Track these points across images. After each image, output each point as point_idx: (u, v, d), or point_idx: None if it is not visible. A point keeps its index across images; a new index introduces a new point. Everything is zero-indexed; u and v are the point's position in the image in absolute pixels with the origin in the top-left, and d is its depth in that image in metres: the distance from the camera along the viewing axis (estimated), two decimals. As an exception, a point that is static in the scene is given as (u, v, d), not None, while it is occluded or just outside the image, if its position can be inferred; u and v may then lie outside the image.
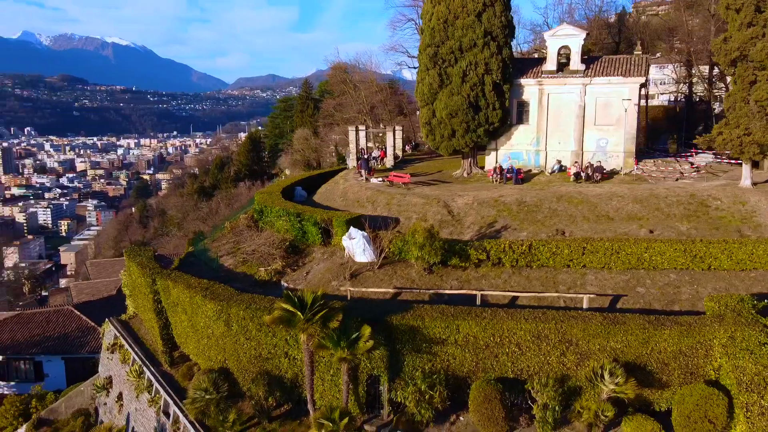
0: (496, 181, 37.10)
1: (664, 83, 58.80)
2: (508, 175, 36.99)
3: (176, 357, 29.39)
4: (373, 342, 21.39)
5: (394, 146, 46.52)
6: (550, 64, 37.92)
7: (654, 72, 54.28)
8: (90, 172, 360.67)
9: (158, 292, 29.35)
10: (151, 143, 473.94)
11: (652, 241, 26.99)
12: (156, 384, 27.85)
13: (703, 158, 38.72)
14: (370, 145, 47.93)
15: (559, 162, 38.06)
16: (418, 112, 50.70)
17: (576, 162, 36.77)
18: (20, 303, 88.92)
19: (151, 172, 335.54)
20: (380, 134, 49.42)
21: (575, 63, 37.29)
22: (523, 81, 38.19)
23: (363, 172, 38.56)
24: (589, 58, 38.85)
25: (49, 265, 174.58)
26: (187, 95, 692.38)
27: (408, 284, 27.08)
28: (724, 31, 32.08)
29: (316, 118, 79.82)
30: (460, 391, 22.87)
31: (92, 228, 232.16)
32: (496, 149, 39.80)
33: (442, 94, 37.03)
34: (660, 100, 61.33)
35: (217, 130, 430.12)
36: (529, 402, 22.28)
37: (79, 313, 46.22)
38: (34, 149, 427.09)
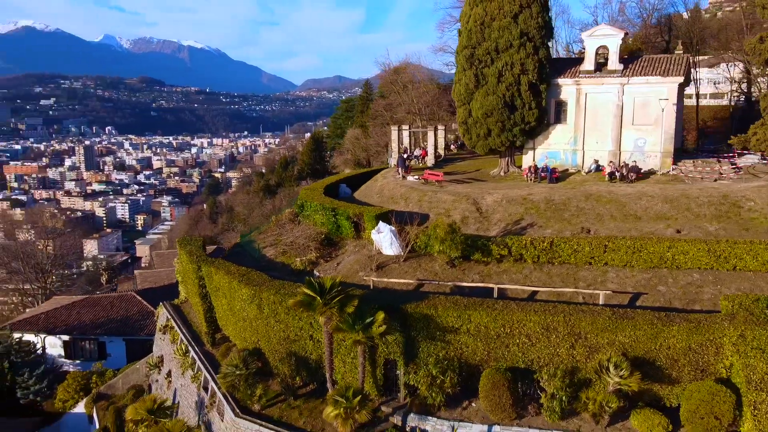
0: (531, 180, 37.64)
1: (719, 83, 56.99)
2: (543, 174, 37.48)
3: (218, 338, 31.79)
4: (386, 327, 22.81)
5: (436, 145, 47.64)
6: (588, 64, 38.07)
7: (707, 72, 52.87)
8: (165, 170, 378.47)
9: (203, 277, 31.85)
10: (222, 143, 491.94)
11: (675, 240, 27.10)
12: (198, 362, 30.30)
13: (748, 159, 37.78)
14: (411, 144, 49.13)
15: (597, 161, 38.17)
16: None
17: (611, 162, 36.83)
18: (97, 292, 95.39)
19: (222, 170, 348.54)
20: (423, 133, 50.59)
21: (613, 63, 37.31)
22: (560, 81, 38.49)
23: (400, 170, 40.00)
24: (628, 57, 38.74)
25: (125, 257, 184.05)
26: (257, 96, 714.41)
27: (431, 277, 28.33)
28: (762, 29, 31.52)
29: (366, 118, 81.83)
30: (473, 379, 23.85)
31: (166, 223, 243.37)
32: (534, 148, 40.25)
33: (477, 94, 37.91)
34: (715, 99, 59.43)
35: (285, 131, 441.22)
36: (538, 391, 23.11)
37: (140, 298, 49.92)
38: (114, 147, 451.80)
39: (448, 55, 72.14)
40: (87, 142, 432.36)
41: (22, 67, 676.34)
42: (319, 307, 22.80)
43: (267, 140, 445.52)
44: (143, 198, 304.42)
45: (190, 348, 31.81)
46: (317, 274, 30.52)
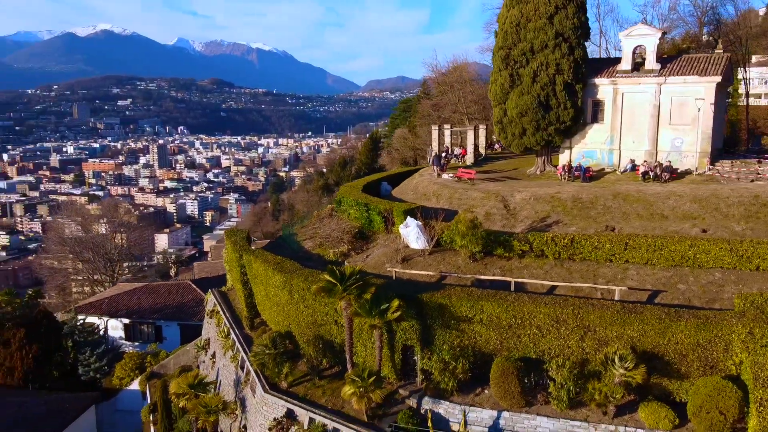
0: (564, 178, 38.08)
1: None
2: (576, 173, 37.85)
3: (256, 323, 34.03)
4: (401, 313, 24.21)
5: (477, 144, 48.50)
6: (625, 64, 38.14)
7: (759, 71, 51.18)
8: (233, 169, 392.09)
9: (244, 266, 34.20)
10: (287, 143, 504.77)
11: (697, 239, 27.19)
12: (237, 343, 32.64)
13: (793, 160, 36.92)
14: (452, 143, 50.17)
15: (633, 161, 38.18)
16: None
17: (645, 161, 36.80)
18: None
19: (286, 169, 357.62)
20: (463, 132, 51.42)
21: (650, 62, 37.25)
22: (597, 80, 38.71)
23: (436, 168, 41.24)
24: (667, 57, 38.52)
25: (193, 252, 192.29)
26: (321, 97, 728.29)
27: (452, 270, 29.50)
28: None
29: (415, 118, 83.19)
30: (486, 367, 24.83)
31: (232, 219, 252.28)
32: (570, 147, 40.57)
33: (512, 93, 38.66)
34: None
35: (348, 131, 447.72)
36: (548, 381, 23.93)
37: (194, 286, 53.29)
38: (186, 146, 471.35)
39: (493, 55, 72.35)
40: (160, 142, 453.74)
41: (102, 69, 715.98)
42: (338, 292, 24.50)
43: (330, 140, 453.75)
44: (211, 195, 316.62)
45: (231, 331, 34.22)
46: (346, 264, 32.21)
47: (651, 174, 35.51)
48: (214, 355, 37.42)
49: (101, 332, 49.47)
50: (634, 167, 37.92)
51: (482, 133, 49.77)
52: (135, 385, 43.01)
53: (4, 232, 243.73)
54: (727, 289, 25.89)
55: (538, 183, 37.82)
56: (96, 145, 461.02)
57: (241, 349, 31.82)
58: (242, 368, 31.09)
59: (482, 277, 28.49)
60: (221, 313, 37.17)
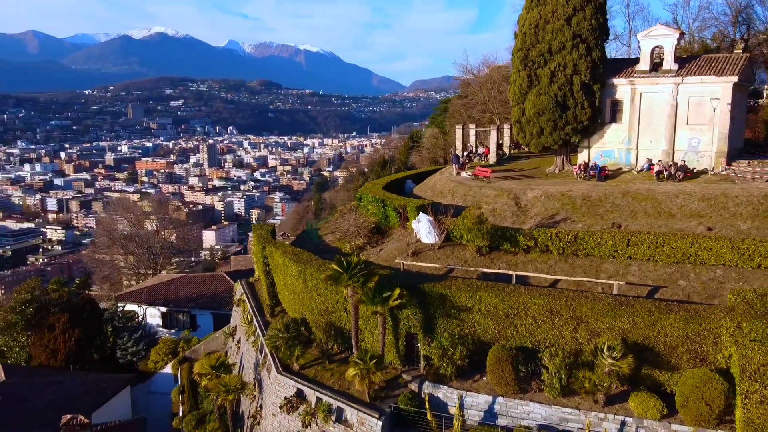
0: (580, 177, 38.67)
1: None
2: (592, 172, 38.38)
3: (277, 311, 36.01)
4: (402, 301, 25.67)
5: (500, 144, 49.31)
6: (644, 64, 38.43)
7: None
8: (279, 168, 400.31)
9: (266, 257, 36.24)
10: (332, 143, 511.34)
11: (699, 236, 27.62)
12: (258, 329, 34.65)
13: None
14: (476, 142, 51.11)
15: (650, 161, 38.42)
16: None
17: (659, 161, 37.05)
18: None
19: (330, 169, 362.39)
20: (485, 131, 52.27)
21: (668, 63, 37.46)
22: (615, 81, 39.11)
23: (455, 167, 42.41)
24: (685, 57, 38.62)
25: (239, 249, 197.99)
26: (366, 98, 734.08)
27: (459, 263, 30.71)
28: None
29: (445, 118, 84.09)
30: (485, 355, 26.02)
31: (277, 217, 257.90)
32: (589, 147, 41.04)
33: (530, 94, 39.47)
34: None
35: (392, 131, 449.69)
36: (543, 369, 24.92)
37: (228, 278, 55.89)
38: (235, 146, 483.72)
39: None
40: (210, 141, 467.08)
41: (156, 70, 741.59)
42: (344, 281, 26.15)
43: (373, 140, 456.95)
44: (258, 194, 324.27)
45: (253, 318, 36.28)
46: (353, 256, 33.78)
47: (665, 173, 35.78)
48: (239, 341, 39.61)
49: (139, 319, 52.57)
50: (650, 167, 38.19)
51: (506, 132, 50.54)
52: (168, 369, 45.70)
53: (60, 227, 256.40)
54: (727, 286, 26.27)
55: (554, 181, 38.54)
56: (149, 145, 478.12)
57: (260, 334, 33.82)
58: (261, 352, 33.07)
59: (487, 270, 29.59)
60: (246, 301, 39.30)
